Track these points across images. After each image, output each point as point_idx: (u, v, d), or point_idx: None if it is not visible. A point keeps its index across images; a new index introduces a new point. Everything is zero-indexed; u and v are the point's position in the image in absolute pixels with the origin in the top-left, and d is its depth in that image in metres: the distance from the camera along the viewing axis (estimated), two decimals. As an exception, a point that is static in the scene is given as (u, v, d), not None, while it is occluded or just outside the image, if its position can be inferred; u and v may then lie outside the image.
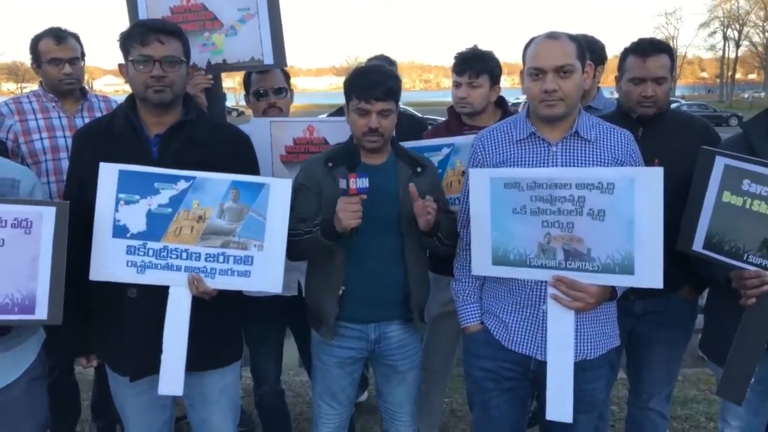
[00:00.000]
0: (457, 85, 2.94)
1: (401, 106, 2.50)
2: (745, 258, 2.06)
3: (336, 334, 2.41)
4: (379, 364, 2.55)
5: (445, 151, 2.78)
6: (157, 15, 2.75)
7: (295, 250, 2.28)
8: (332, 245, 2.26)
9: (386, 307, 2.40)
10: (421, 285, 2.45)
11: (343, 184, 2.12)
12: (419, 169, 2.40)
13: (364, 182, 2.12)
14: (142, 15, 2.76)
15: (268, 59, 2.83)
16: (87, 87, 3.38)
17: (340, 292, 2.35)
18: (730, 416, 2.47)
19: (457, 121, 3.01)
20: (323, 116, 3.20)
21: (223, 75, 2.96)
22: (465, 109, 2.93)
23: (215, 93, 2.85)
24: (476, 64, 2.87)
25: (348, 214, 2.13)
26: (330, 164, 2.33)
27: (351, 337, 2.43)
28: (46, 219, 1.94)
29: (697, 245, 2.15)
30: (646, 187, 1.91)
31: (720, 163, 2.10)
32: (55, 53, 3.09)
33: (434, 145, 2.80)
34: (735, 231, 2.07)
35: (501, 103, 3.03)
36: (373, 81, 2.28)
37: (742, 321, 2.11)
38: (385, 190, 2.30)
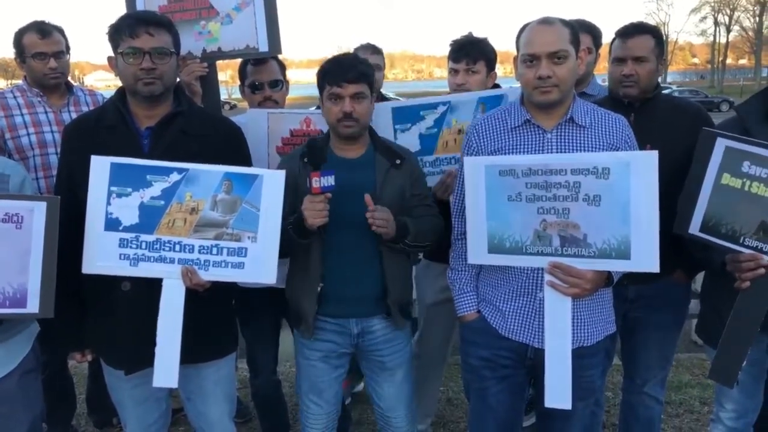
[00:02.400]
0: (453, 72, 2.91)
1: (392, 95, 2.49)
2: (741, 241, 2.06)
3: (316, 328, 2.37)
4: (367, 360, 2.50)
5: (441, 109, 2.75)
6: (155, 5, 2.75)
7: None
8: (307, 243, 2.24)
9: (366, 304, 2.37)
10: (400, 281, 2.40)
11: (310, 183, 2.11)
12: (398, 161, 2.36)
13: (329, 180, 2.11)
14: (140, 5, 2.74)
15: (263, 47, 2.82)
16: (73, 81, 3.34)
17: (319, 288, 2.32)
18: (725, 399, 2.48)
19: None
20: (313, 108, 3.20)
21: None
22: None
23: (210, 81, 2.83)
24: (473, 50, 2.85)
25: (312, 213, 2.12)
26: (305, 159, 2.28)
27: (331, 331, 2.40)
28: (36, 214, 1.93)
29: (694, 228, 2.14)
30: (641, 171, 1.91)
31: (721, 144, 2.09)
32: (40, 47, 3.04)
33: (430, 103, 2.77)
34: (732, 214, 2.07)
35: None
36: (344, 65, 2.28)
37: (736, 304, 2.11)
38: (362, 185, 2.26)
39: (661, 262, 1.96)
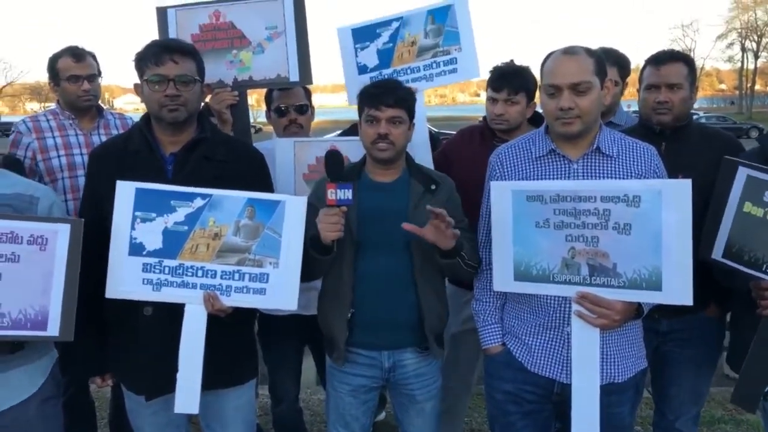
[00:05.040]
0: (492, 100, 2.84)
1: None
2: (764, 268, 2.04)
3: (348, 361, 2.33)
4: (396, 393, 2.46)
5: (395, 24, 2.86)
6: (187, 33, 2.80)
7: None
8: (327, 259, 2.19)
9: (399, 332, 2.31)
10: (436, 309, 2.34)
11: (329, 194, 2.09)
12: (433, 187, 2.32)
13: (346, 194, 2.09)
14: (172, 33, 2.81)
15: (294, 76, 2.85)
16: (103, 105, 3.41)
17: (349, 314, 2.28)
18: None
19: (491, 132, 2.92)
20: (335, 133, 3.22)
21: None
22: (501, 126, 2.83)
23: (240, 109, 2.86)
24: (514, 81, 2.78)
25: (326, 226, 2.09)
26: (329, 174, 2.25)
27: (363, 365, 2.35)
28: (60, 236, 1.94)
29: (717, 253, 2.14)
30: (673, 199, 1.86)
31: (742, 173, 2.10)
32: (74, 70, 3.13)
33: (384, 21, 2.88)
34: (755, 241, 2.06)
35: (536, 120, 2.90)
36: (384, 89, 2.29)
37: (758, 330, 2.08)
38: (394, 209, 2.24)
39: (695, 295, 1.89)
